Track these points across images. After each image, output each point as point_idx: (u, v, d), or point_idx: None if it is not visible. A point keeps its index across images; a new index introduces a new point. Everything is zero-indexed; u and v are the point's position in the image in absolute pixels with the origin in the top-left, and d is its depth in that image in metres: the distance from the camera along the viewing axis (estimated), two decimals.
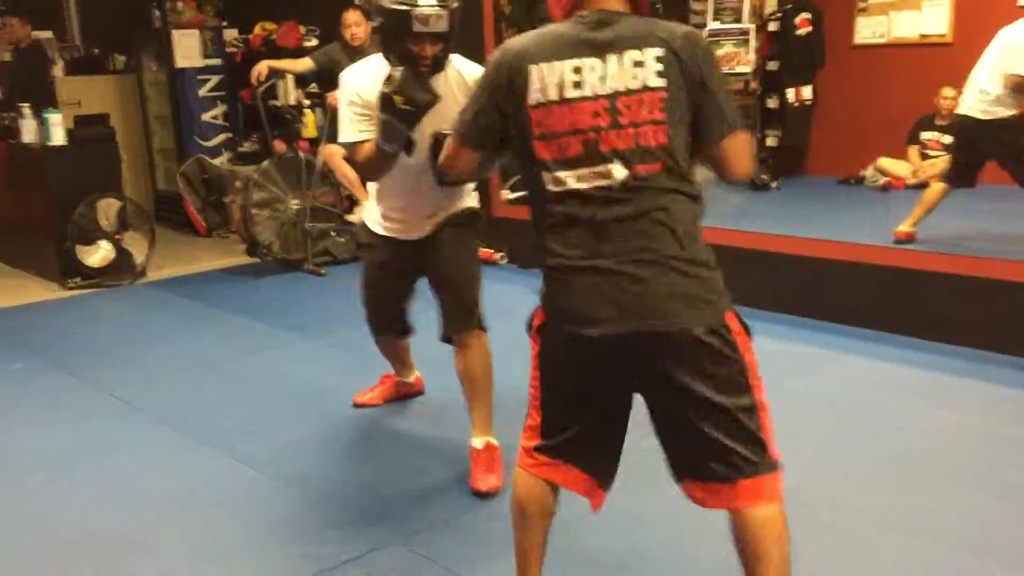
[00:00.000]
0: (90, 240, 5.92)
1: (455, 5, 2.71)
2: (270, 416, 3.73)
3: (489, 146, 2.02)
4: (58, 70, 7.94)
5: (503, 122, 1.94)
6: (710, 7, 7.33)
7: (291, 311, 5.28)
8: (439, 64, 2.76)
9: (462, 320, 3.10)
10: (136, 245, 6.13)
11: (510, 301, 4.79)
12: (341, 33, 5.83)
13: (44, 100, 6.58)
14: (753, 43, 7.25)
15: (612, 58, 1.84)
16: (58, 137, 5.96)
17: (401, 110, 2.56)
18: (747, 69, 7.32)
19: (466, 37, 2.97)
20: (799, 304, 4.69)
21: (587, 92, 1.84)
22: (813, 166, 8.12)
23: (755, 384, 1.89)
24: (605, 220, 1.84)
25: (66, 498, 3.11)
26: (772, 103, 7.78)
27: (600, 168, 1.84)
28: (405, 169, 2.89)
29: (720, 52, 7.28)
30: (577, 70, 1.85)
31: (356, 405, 3.74)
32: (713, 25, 7.32)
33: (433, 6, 2.65)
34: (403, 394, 3.79)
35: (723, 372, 1.85)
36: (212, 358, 4.50)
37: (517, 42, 1.95)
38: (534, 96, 1.87)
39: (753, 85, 7.51)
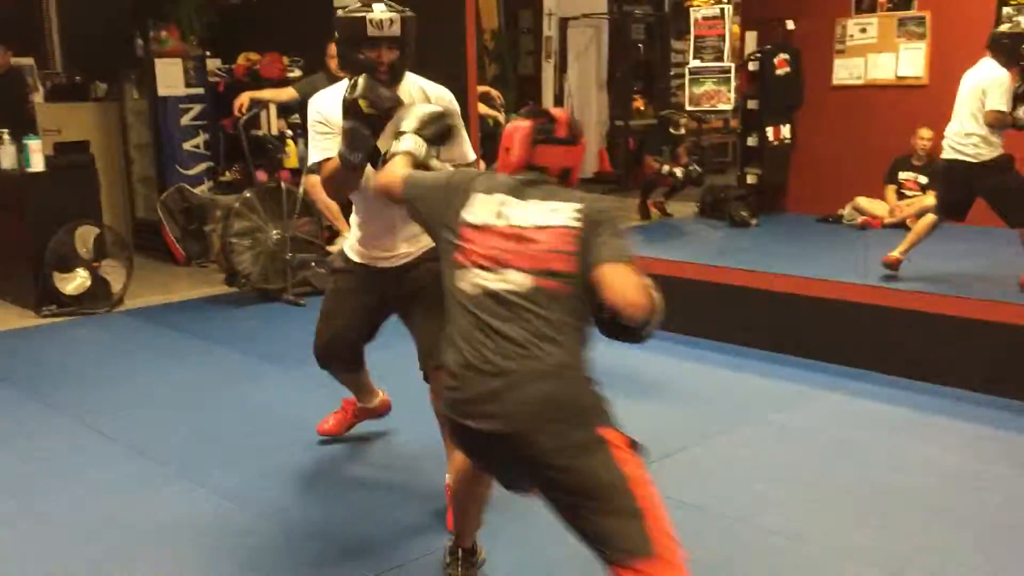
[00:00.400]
0: (67, 267, 5.86)
1: (409, 13, 2.79)
2: (247, 447, 3.69)
3: (412, 209, 2.41)
4: (39, 96, 7.91)
5: (432, 213, 2.32)
6: (691, 45, 7.42)
7: (269, 341, 5.24)
8: (396, 72, 2.80)
9: (436, 357, 3.06)
10: (114, 273, 6.08)
11: None
12: (326, 63, 5.84)
13: (24, 126, 6.54)
14: (733, 82, 7.34)
15: (533, 202, 2.15)
16: (37, 163, 5.92)
17: (365, 114, 2.60)
18: (727, 107, 7.41)
19: (449, 71, 2.99)
20: (779, 340, 4.71)
21: (506, 222, 2.14)
22: (792, 204, 8.19)
23: (639, 493, 1.95)
24: (501, 325, 2.05)
25: (37, 529, 3.05)
26: (752, 141, 7.86)
27: (508, 277, 2.08)
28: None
29: (700, 90, 7.37)
30: (503, 204, 2.17)
31: (321, 434, 3.67)
32: (694, 63, 7.41)
33: (386, 12, 2.74)
34: (367, 418, 3.72)
35: (597, 481, 1.95)
36: (189, 388, 4.45)
37: (471, 173, 2.38)
38: (467, 216, 2.20)
39: (733, 123, 7.60)
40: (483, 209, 2.19)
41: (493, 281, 2.10)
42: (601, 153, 9.91)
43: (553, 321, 2.03)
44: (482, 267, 2.13)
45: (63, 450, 3.70)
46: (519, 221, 2.13)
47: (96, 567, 2.79)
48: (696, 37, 7.37)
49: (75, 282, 5.90)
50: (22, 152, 5.93)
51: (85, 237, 5.94)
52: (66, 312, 5.86)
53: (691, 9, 7.44)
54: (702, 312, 4.95)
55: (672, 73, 9.68)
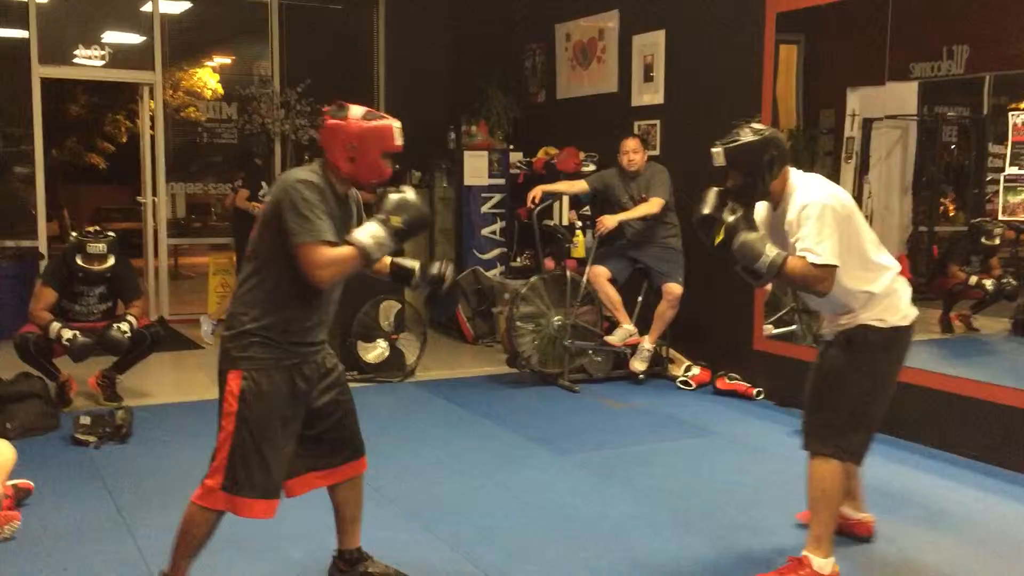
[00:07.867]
0: (370, 338, 6.39)
1: (736, 144, 3.16)
2: (507, 524, 3.80)
3: None
4: None
5: None
6: (1008, 152, 6.88)
7: (541, 424, 5.38)
8: (741, 193, 3.16)
9: (804, 430, 3.25)
10: (409, 346, 6.55)
11: (762, 440, 4.62)
12: (618, 159, 6.05)
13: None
14: None
15: None
16: None
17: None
18: None
19: None
20: None
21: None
22: None
23: (223, 424, 2.78)
24: None
25: None
26: None
27: None
28: None
29: (1016, 199, 6.79)
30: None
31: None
32: (1011, 170, 6.85)
33: (717, 145, 3.20)
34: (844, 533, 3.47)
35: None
36: (462, 459, 4.67)
37: None
38: None
39: None
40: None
41: None
42: (901, 259, 9.35)
43: (244, 278, 2.81)
44: None
45: None
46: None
47: None
48: (1014, 143, 6.83)
49: (375, 352, 6.41)
50: None
51: (388, 311, 6.46)
52: (365, 378, 6.37)
53: (1010, 114, 6.93)
54: (1015, 441, 4.49)
55: (988, 179, 9.02)
